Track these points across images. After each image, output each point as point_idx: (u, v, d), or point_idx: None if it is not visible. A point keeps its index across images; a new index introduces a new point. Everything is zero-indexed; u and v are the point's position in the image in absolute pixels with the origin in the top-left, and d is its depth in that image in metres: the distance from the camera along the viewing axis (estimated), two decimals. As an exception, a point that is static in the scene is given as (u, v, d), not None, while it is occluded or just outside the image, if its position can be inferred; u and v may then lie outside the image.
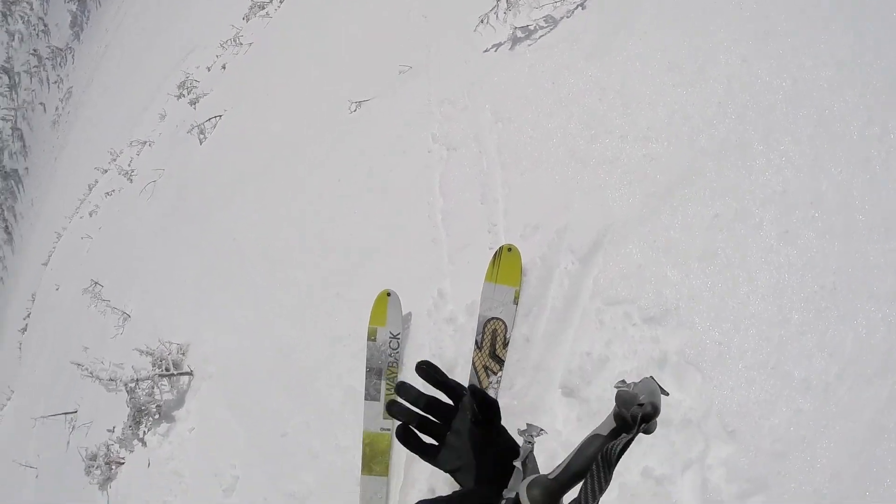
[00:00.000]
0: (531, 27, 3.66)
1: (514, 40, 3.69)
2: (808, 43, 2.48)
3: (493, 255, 2.58)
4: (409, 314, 2.97)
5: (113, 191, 10.56)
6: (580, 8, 3.51)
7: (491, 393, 2.46)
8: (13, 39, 26.55)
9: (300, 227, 4.28)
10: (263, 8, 9.06)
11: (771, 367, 1.96)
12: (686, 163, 2.56)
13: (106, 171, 12.72)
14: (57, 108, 24.76)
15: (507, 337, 2.51)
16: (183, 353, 5.01)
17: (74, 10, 24.84)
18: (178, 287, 5.80)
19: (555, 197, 2.77)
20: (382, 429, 2.84)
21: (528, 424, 0.82)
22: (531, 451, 0.81)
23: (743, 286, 2.15)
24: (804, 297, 1.99)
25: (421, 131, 3.67)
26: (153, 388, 4.75)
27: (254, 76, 7.33)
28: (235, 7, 9.85)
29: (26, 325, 14.60)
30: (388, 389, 2.87)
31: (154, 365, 4.87)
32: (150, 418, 4.80)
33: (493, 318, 2.52)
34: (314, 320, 3.50)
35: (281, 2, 8.49)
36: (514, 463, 0.79)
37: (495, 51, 3.74)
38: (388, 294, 2.87)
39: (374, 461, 2.80)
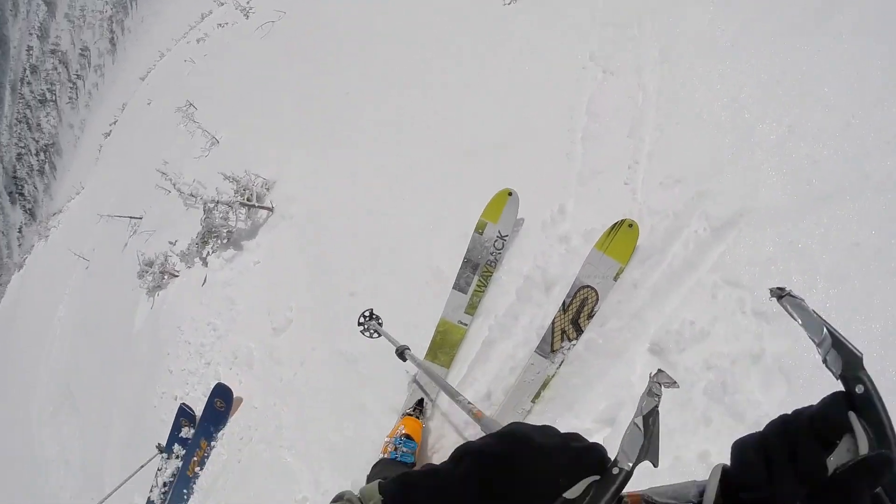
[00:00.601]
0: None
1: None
2: None
3: (611, 225, 2.50)
4: (522, 220, 2.95)
5: (226, 23, 10.63)
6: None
7: (559, 357, 2.50)
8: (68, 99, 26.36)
9: (428, 104, 4.19)
10: None
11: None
12: (846, 181, 2.42)
13: (223, 4, 12.81)
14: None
15: (595, 309, 2.46)
16: (267, 189, 5.13)
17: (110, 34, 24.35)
18: (276, 126, 5.82)
19: (705, 158, 2.66)
20: (460, 322, 2.82)
21: (659, 370, 0.69)
22: (656, 407, 0.67)
23: (857, 324, 2.06)
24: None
25: (579, 45, 3.52)
26: (229, 213, 4.87)
27: None
28: None
29: (111, 130, 15.28)
30: (478, 286, 2.86)
31: (236, 192, 4.98)
32: (219, 241, 4.97)
33: (587, 287, 2.45)
34: (419, 196, 3.51)
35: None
36: (634, 420, 0.68)
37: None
38: (510, 194, 2.81)
39: (441, 350, 2.85)
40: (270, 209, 4.85)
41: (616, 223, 2.50)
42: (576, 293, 2.47)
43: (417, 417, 2.73)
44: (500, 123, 3.47)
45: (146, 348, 5.42)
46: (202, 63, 10.13)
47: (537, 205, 2.89)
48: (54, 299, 11.43)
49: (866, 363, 0.64)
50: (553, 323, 2.47)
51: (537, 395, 2.54)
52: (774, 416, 2.15)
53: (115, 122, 15.63)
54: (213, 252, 5.05)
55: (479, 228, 2.84)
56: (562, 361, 2.50)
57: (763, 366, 2.10)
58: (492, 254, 2.86)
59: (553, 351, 2.49)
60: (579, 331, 2.46)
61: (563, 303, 2.49)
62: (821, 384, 1.99)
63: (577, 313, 2.46)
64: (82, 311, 9.06)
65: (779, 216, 2.44)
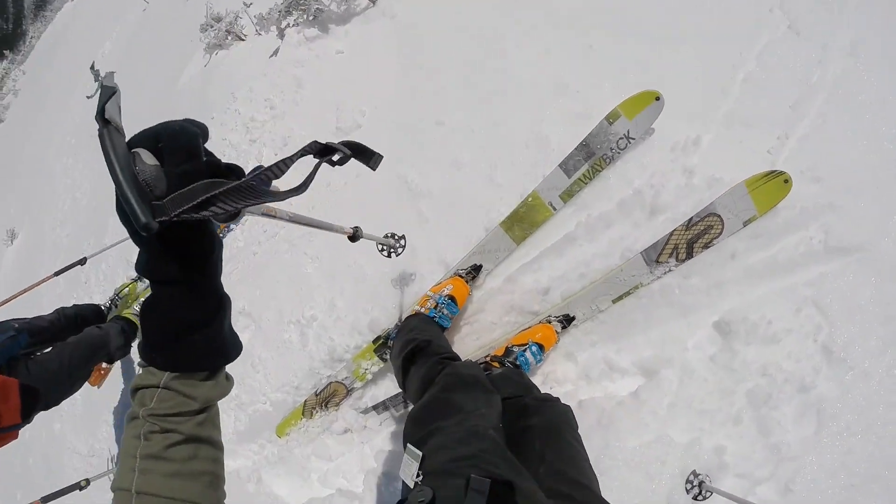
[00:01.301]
0: None
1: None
2: None
3: (769, 171, 2.28)
4: (654, 130, 2.57)
5: None
6: None
7: (660, 270, 2.39)
8: None
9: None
10: None
11: None
12: None
13: None
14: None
15: (713, 241, 2.33)
16: None
17: None
18: None
19: (854, 172, 2.29)
20: (551, 204, 2.57)
21: None
22: None
23: None
24: None
25: None
26: None
27: None
28: None
29: None
30: (584, 175, 2.56)
31: None
32: (305, 16, 4.40)
33: (717, 215, 2.31)
34: (550, 51, 3.03)
35: None
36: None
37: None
38: (657, 98, 2.46)
39: (519, 224, 2.58)
40: (373, 0, 4.24)
41: (775, 171, 2.28)
42: (705, 217, 2.33)
43: (468, 282, 2.46)
44: (665, 17, 2.88)
45: (187, 105, 5.07)
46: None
47: (677, 123, 2.53)
48: (102, 34, 10.94)
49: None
50: (671, 234, 2.35)
51: (619, 298, 2.45)
52: (794, 445, 1.94)
53: None
54: (294, 25, 4.48)
55: (611, 118, 2.50)
56: (661, 276, 2.41)
57: (806, 398, 2.09)
58: (611, 149, 2.54)
59: (657, 262, 2.38)
60: (690, 255, 2.36)
61: (690, 219, 2.35)
62: (843, 444, 1.95)
63: (696, 236, 2.34)
64: (129, 53, 8.63)
65: (891, 271, 2.16)
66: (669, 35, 2.84)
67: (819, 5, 2.83)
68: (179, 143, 0.73)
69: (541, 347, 2.37)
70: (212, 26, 5.81)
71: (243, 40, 5.42)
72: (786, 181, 2.25)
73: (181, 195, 0.69)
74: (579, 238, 2.54)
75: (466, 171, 2.76)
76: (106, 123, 0.69)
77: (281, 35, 4.59)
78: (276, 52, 4.51)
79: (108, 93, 0.71)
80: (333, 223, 2.03)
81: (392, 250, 2.65)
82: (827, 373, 2.08)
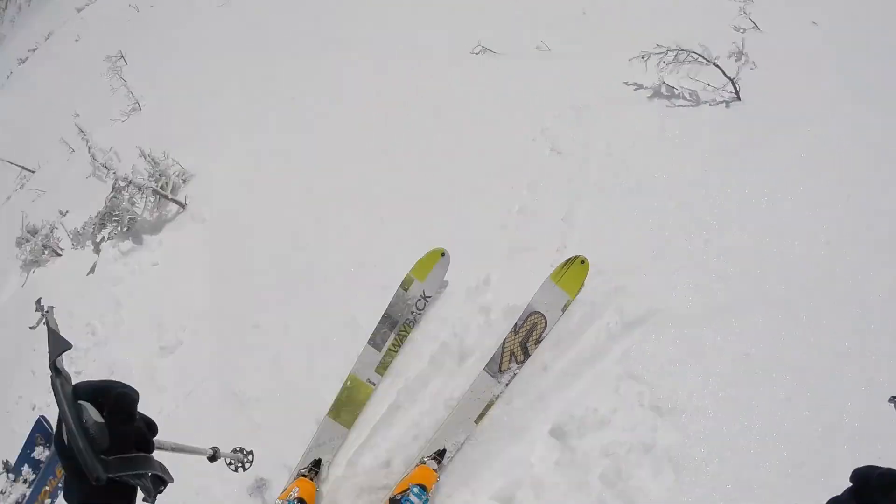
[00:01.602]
0: (677, 91, 3.63)
1: (657, 93, 3.69)
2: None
3: (566, 259, 2.71)
4: (447, 282, 2.92)
5: None
6: (724, 105, 3.51)
7: (506, 378, 2.61)
8: None
9: (374, 130, 4.09)
10: None
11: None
12: (746, 296, 2.64)
13: None
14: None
15: (542, 335, 2.62)
16: (184, 180, 4.69)
17: None
18: (211, 109, 5.38)
19: (629, 254, 2.83)
20: (369, 381, 2.78)
21: None
22: None
23: (742, 426, 2.26)
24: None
25: (534, 116, 3.63)
26: (137, 196, 4.39)
27: None
28: None
29: (28, 57, 13.56)
30: (393, 344, 2.81)
31: (151, 176, 4.51)
32: (119, 227, 4.48)
33: (537, 313, 2.62)
34: (348, 235, 3.39)
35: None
36: None
37: (635, 90, 3.73)
38: (443, 254, 2.81)
39: (344, 408, 2.76)
40: (182, 205, 4.45)
41: (571, 258, 2.70)
42: (527, 318, 2.62)
43: (312, 479, 2.60)
44: (443, 180, 3.45)
45: (5, 336, 4.83)
46: (146, 13, 9.24)
47: (464, 270, 2.90)
48: None
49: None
50: (504, 343, 2.59)
51: (481, 416, 2.60)
52: (661, 499, 2.27)
53: (34, 50, 13.88)
54: (109, 238, 4.54)
55: (406, 285, 2.82)
56: (508, 382, 2.61)
57: (655, 455, 2.26)
58: (412, 313, 2.85)
59: (501, 371, 2.60)
60: (526, 354, 2.61)
61: (515, 325, 2.63)
62: (705, 475, 2.19)
63: (526, 337, 2.61)
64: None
65: (684, 320, 2.63)
66: (452, 196, 3.34)
67: (574, 123, 3.52)
68: (121, 406, 0.83)
69: (423, 488, 2.45)
70: (27, 240, 5.65)
71: (60, 255, 5.34)
72: (582, 262, 2.67)
73: (124, 460, 0.81)
74: (403, 404, 2.76)
75: (287, 369, 2.96)
76: (58, 373, 0.80)
77: (97, 250, 4.62)
78: (93, 269, 4.52)
79: (61, 346, 0.83)
80: (194, 445, 2.08)
81: (241, 465, 2.72)
82: (663, 426, 2.29)
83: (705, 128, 3.36)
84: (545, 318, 2.61)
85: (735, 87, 3.58)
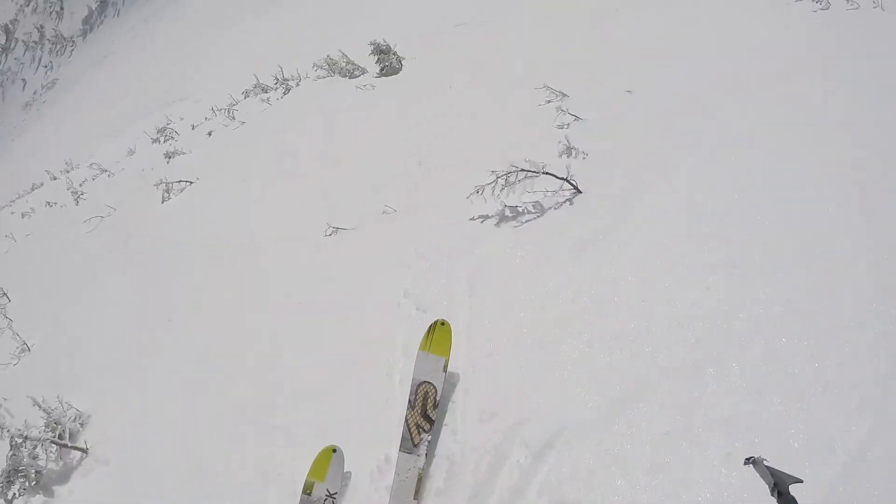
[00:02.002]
0: (520, 209, 3.92)
1: (502, 217, 3.94)
2: (765, 278, 2.71)
3: (427, 327, 2.99)
4: (349, 473, 2.90)
5: (56, 203, 10.11)
6: (568, 203, 3.80)
7: (422, 448, 2.79)
8: (27, 5, 26.42)
9: (247, 339, 4.18)
10: (266, 92, 9.45)
11: None
12: (644, 377, 2.69)
13: (55, 179, 12.43)
14: (35, 92, 24.38)
15: (437, 399, 2.85)
16: (82, 424, 4.59)
17: (94, 7, 25.16)
18: (96, 342, 5.40)
19: (517, 386, 2.87)
20: None
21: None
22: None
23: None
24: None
25: (394, 281, 3.81)
26: (38, 448, 4.27)
27: (236, 158, 7.45)
28: (241, 77, 10.13)
29: None
30: None
31: (47, 425, 4.42)
32: (27, 483, 4.29)
33: (424, 382, 2.87)
34: (245, 452, 3.35)
35: (285, 93, 8.87)
36: None
37: (482, 222, 3.98)
38: (334, 451, 2.86)
39: None
40: (85, 451, 4.34)
41: (430, 325, 3.00)
42: (417, 389, 2.87)
43: None
44: (318, 365, 3.52)
45: None
46: (23, 244, 9.42)
47: (362, 455, 2.90)
48: None
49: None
50: (406, 421, 2.81)
51: (417, 492, 2.69)
52: None
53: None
54: (20, 495, 4.29)
55: (307, 489, 2.82)
56: (426, 451, 2.77)
57: None
58: None
59: (415, 445, 2.77)
60: (430, 421, 2.82)
61: (409, 401, 2.86)
62: None
63: (423, 407, 2.83)
64: None
65: (592, 428, 2.66)
66: (332, 381, 3.39)
67: (433, 273, 3.67)
68: None
69: None
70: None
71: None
72: (442, 324, 2.99)
73: None
74: None
75: None
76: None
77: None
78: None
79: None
80: None
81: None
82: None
83: (555, 234, 3.60)
84: (433, 384, 2.86)
85: (572, 184, 3.90)
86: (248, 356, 4.00)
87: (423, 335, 3.01)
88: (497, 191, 3.80)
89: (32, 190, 13.14)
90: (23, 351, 6.24)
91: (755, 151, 3.65)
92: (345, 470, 2.88)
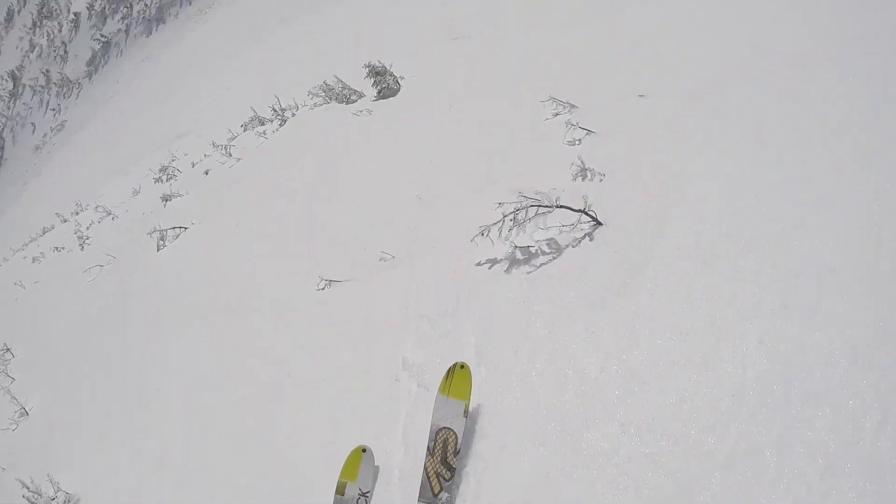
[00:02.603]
0: (533, 250, 3.45)
1: (512, 261, 3.47)
2: (825, 321, 2.23)
3: (446, 370, 2.78)
4: (378, 468, 2.80)
5: (63, 248, 10.10)
6: (588, 239, 3.32)
7: (443, 497, 2.57)
8: (32, 51, 26.98)
9: (236, 414, 3.79)
10: (263, 124, 9.16)
11: None
12: (691, 470, 2.19)
13: (65, 222, 12.46)
14: (45, 135, 24.90)
15: (458, 447, 2.65)
16: None
17: (97, 49, 25.53)
18: (88, 413, 5.15)
19: (538, 484, 2.38)
20: None
21: None
22: None
23: None
24: None
25: (392, 349, 3.35)
26: None
27: (231, 199, 7.14)
28: (242, 108, 9.92)
29: None
30: None
31: None
32: None
33: (444, 428, 2.67)
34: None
35: (281, 124, 8.56)
36: None
37: (489, 268, 3.52)
38: (364, 451, 2.80)
39: None
40: None
41: (449, 368, 2.78)
42: (436, 436, 2.66)
43: None
44: (310, 454, 3.09)
45: None
46: (31, 291, 9.35)
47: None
48: None
49: None
50: (426, 469, 2.61)
51: None
52: None
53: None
54: None
55: (340, 490, 2.76)
56: (446, 499, 2.56)
57: None
58: None
59: (435, 495, 2.57)
60: (451, 469, 2.62)
61: (428, 447, 2.65)
62: None
63: (443, 454, 2.63)
64: None
65: None
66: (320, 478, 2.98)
67: (435, 337, 3.27)
68: None
69: None
70: None
71: None
72: (462, 367, 2.77)
73: None
74: None
75: None
76: None
77: None
78: None
79: None
80: None
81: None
82: None
83: (574, 281, 3.09)
84: (453, 430, 2.66)
85: (590, 216, 3.43)
86: (236, 435, 3.62)
87: (442, 378, 2.77)
88: (505, 232, 3.35)
89: (44, 233, 13.22)
90: (21, 415, 6.04)
91: (793, 164, 3.11)
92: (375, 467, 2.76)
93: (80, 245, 9.57)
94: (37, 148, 25.25)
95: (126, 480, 4.08)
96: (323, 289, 4.27)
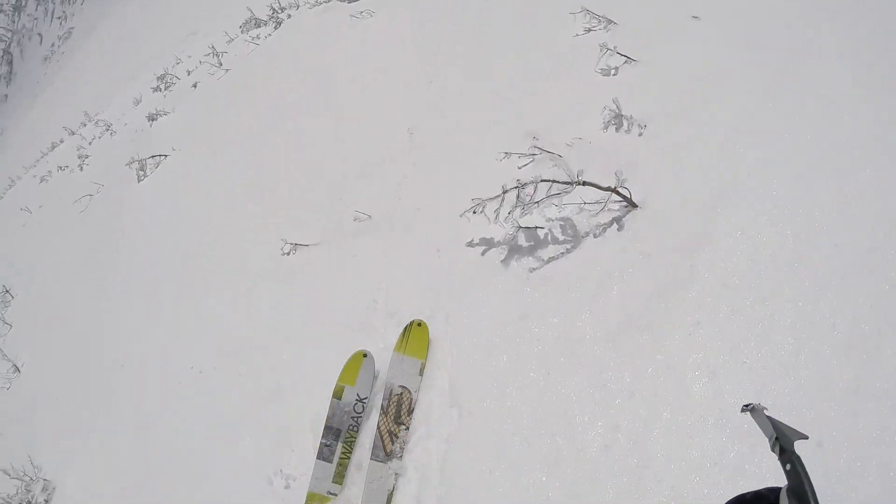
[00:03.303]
0: (541, 234, 2.55)
1: (513, 248, 2.59)
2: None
3: (402, 328, 2.66)
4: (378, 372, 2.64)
5: (66, 167, 9.50)
6: (615, 226, 2.40)
7: (395, 457, 2.46)
8: None
9: (189, 412, 3.20)
10: (258, 27, 8.04)
11: None
12: None
13: (73, 134, 11.86)
14: (53, 45, 23.90)
15: (412, 405, 2.58)
16: (46, 501, 4.01)
17: None
18: (61, 390, 4.69)
19: None
20: (329, 492, 2.55)
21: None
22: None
23: None
24: None
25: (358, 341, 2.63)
26: None
27: (214, 123, 6.27)
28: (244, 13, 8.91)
29: None
30: (343, 453, 2.61)
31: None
32: None
33: (399, 386, 2.60)
34: None
35: (276, 27, 7.46)
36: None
37: (483, 253, 2.65)
38: (364, 355, 2.70)
39: None
40: None
41: (406, 326, 2.64)
42: (390, 395, 2.58)
43: None
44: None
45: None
46: (36, 216, 9.03)
47: None
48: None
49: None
50: (378, 428, 2.54)
51: (390, 497, 2.42)
52: None
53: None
54: None
55: (337, 394, 2.70)
56: (401, 456, 2.48)
57: None
58: (353, 418, 2.68)
59: (388, 454, 2.49)
60: (405, 425, 2.54)
61: (382, 406, 2.58)
62: None
63: (397, 413, 2.57)
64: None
65: None
66: None
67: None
68: None
69: None
70: None
71: None
72: (419, 325, 2.60)
73: None
74: None
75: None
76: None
77: None
78: None
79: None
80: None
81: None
82: None
83: (592, 294, 2.22)
84: (408, 388, 2.59)
85: (622, 195, 2.49)
86: (186, 432, 3.03)
87: (398, 337, 2.60)
88: (504, 214, 2.44)
89: (52, 149, 12.64)
90: (14, 371, 5.73)
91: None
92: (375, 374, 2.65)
93: (80, 167, 8.93)
94: (45, 59, 24.12)
95: (99, 469, 3.62)
96: (288, 254, 3.48)
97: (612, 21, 3.68)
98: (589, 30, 3.76)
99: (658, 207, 2.42)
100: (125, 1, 20.63)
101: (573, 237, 2.51)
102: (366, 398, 2.65)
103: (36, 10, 25.53)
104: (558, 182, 2.37)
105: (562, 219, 2.58)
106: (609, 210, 2.49)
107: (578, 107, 3.18)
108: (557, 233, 2.55)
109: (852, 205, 1.92)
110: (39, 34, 25.20)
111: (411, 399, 2.54)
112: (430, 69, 4.28)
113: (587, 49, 3.51)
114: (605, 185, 2.42)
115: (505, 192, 2.39)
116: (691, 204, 2.32)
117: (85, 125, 11.82)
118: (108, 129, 9.59)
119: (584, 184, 2.39)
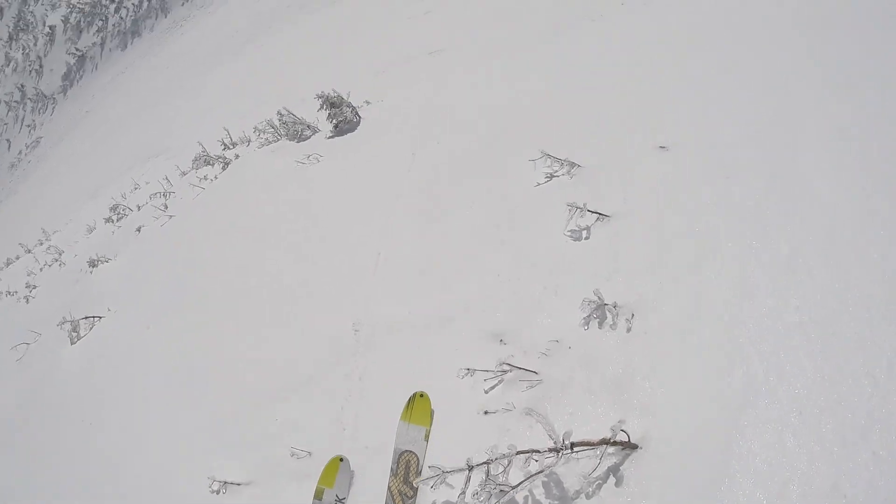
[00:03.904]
0: (520, 501, 1.93)
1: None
2: None
3: (407, 399, 2.66)
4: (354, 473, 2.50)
5: (15, 293, 8.84)
6: (612, 479, 1.80)
7: None
8: (8, 65, 25.90)
9: None
10: (209, 164, 7.63)
11: None
12: None
13: (29, 252, 11.25)
14: (20, 152, 23.66)
15: (420, 468, 2.58)
16: None
17: (72, 63, 24.03)
18: None
19: None
20: None
21: None
22: None
23: None
24: None
25: None
26: None
27: (153, 280, 5.68)
28: (212, 134, 8.61)
29: None
30: None
31: None
32: None
33: (406, 451, 2.62)
34: None
35: (223, 168, 7.03)
36: None
37: None
38: (341, 460, 2.66)
39: None
40: None
41: (410, 397, 2.65)
42: (399, 458, 2.60)
43: None
44: None
45: None
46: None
47: None
48: None
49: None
50: (389, 488, 2.55)
51: None
52: None
53: None
54: None
55: (318, 496, 2.61)
56: None
57: None
58: None
59: None
60: (413, 488, 2.55)
61: (392, 468, 2.59)
62: None
63: (405, 474, 2.57)
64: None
65: None
66: None
67: None
68: None
69: None
70: None
71: None
72: (421, 395, 2.67)
73: None
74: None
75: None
76: None
77: None
78: None
79: None
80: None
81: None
82: None
83: None
84: (415, 453, 2.60)
85: (620, 442, 1.89)
86: None
87: (404, 406, 2.63)
88: (471, 492, 1.82)
89: (7, 265, 11.99)
90: None
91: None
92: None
93: (26, 298, 8.30)
94: (12, 165, 24.00)
95: None
96: (217, 492, 2.81)
97: (575, 163, 3.28)
98: (551, 175, 3.36)
99: (663, 443, 1.84)
100: (92, 116, 20.71)
101: (560, 499, 1.89)
102: (344, 498, 2.65)
103: (6, 115, 25.62)
104: (542, 453, 1.77)
105: (545, 475, 1.97)
106: (606, 456, 1.89)
107: (552, 292, 2.66)
108: (540, 496, 1.93)
109: None
110: (8, 140, 25.15)
111: (419, 462, 2.59)
112: (376, 240, 3.80)
113: (555, 196, 3.09)
114: (596, 438, 1.84)
115: (471, 468, 1.79)
116: (703, 431, 1.75)
117: (41, 243, 11.31)
118: (57, 259, 9.04)
119: (573, 447, 1.80)
